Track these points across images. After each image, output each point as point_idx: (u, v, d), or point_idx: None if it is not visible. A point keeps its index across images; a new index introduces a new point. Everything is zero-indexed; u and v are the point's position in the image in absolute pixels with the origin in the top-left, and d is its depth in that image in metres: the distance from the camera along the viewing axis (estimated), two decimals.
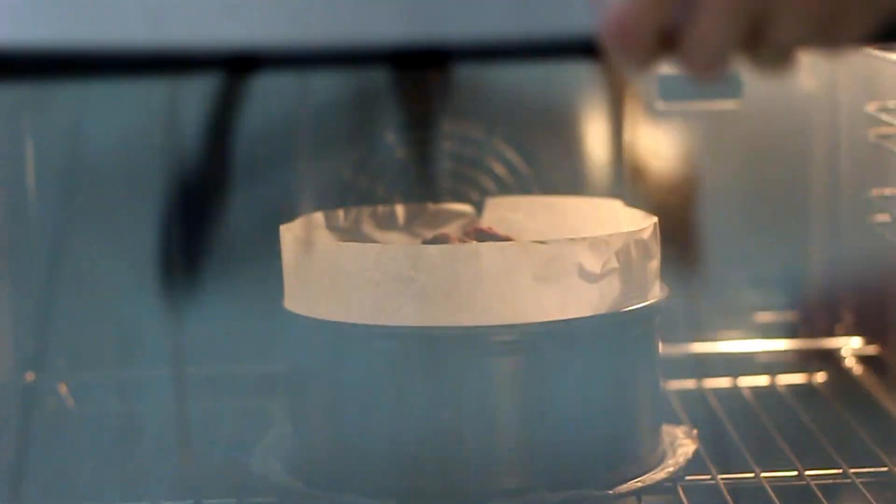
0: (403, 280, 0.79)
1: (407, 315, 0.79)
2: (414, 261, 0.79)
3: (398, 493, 0.81)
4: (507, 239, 0.89)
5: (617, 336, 0.83)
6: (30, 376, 1.11)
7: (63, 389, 1.10)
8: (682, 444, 0.89)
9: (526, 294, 0.79)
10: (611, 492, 0.82)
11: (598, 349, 0.82)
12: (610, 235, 0.82)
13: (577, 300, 0.81)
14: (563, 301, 0.80)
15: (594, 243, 0.81)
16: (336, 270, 0.81)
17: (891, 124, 1.05)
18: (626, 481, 0.83)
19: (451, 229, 0.97)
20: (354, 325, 0.81)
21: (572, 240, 0.80)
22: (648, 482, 0.84)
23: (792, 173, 1.15)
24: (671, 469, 0.86)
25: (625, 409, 0.84)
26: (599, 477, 0.82)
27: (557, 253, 0.80)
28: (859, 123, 1.14)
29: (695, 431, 0.91)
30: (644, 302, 0.84)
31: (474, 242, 0.88)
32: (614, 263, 0.82)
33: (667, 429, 0.91)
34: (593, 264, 0.81)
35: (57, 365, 1.13)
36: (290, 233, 0.87)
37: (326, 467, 0.84)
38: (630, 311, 0.83)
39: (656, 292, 0.86)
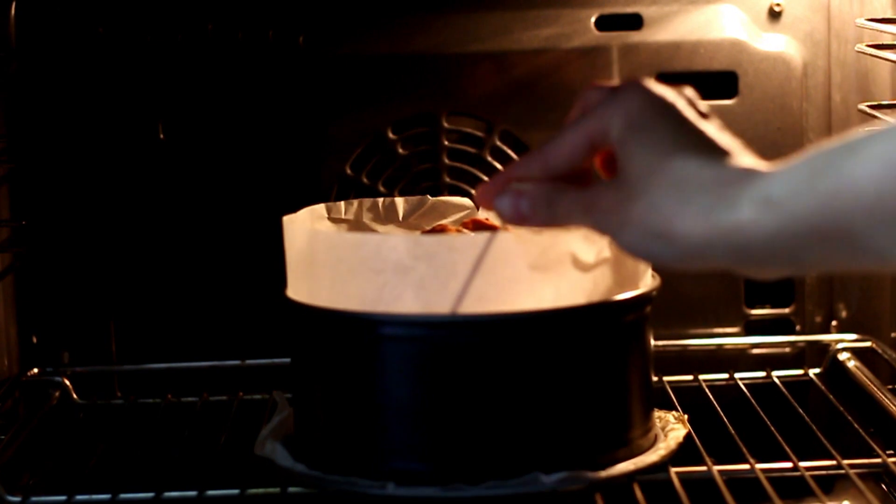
0: (403, 269, 0.80)
1: (406, 303, 0.81)
2: (413, 250, 0.80)
3: (397, 474, 0.82)
4: (505, 230, 0.90)
5: (609, 324, 0.84)
6: (35, 370, 1.12)
7: (67, 383, 1.11)
8: (673, 429, 0.90)
9: (521, 282, 0.80)
10: (603, 473, 0.83)
11: (591, 336, 0.83)
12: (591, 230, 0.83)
13: (571, 289, 0.82)
14: (557, 289, 0.81)
15: (588, 234, 0.81)
16: (337, 259, 0.82)
17: (883, 122, 1.06)
18: (617, 463, 0.84)
19: (450, 222, 0.98)
20: (355, 314, 0.82)
21: (566, 230, 0.81)
22: (640, 465, 0.85)
23: None
24: (663, 453, 0.87)
25: (617, 393, 0.85)
26: (592, 459, 0.83)
27: (552, 243, 0.81)
28: (853, 122, 1.15)
29: (686, 416, 0.93)
30: (636, 291, 0.85)
31: (472, 233, 0.89)
32: (607, 253, 0.83)
33: (658, 413, 0.93)
34: (587, 254, 0.82)
35: (61, 359, 1.15)
36: (292, 223, 0.89)
37: (328, 451, 0.85)
38: (622, 299, 0.84)
39: (648, 282, 0.87)
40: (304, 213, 0.93)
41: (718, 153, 0.69)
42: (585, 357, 0.83)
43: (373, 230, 0.97)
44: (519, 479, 0.81)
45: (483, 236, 0.80)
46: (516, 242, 0.80)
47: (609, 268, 0.83)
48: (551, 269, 0.81)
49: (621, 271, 0.84)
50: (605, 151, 0.73)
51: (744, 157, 0.68)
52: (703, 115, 0.72)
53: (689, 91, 0.73)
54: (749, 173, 0.66)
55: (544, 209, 0.74)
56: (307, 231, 0.87)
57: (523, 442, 0.82)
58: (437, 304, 0.80)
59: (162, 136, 1.14)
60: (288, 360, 1.10)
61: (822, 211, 0.62)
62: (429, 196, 0.99)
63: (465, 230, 0.92)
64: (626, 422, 0.86)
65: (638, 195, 0.69)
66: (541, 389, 0.82)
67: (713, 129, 0.70)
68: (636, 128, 0.70)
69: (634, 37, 1.15)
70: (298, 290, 0.87)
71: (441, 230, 0.93)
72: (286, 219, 0.89)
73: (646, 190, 0.68)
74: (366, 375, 0.83)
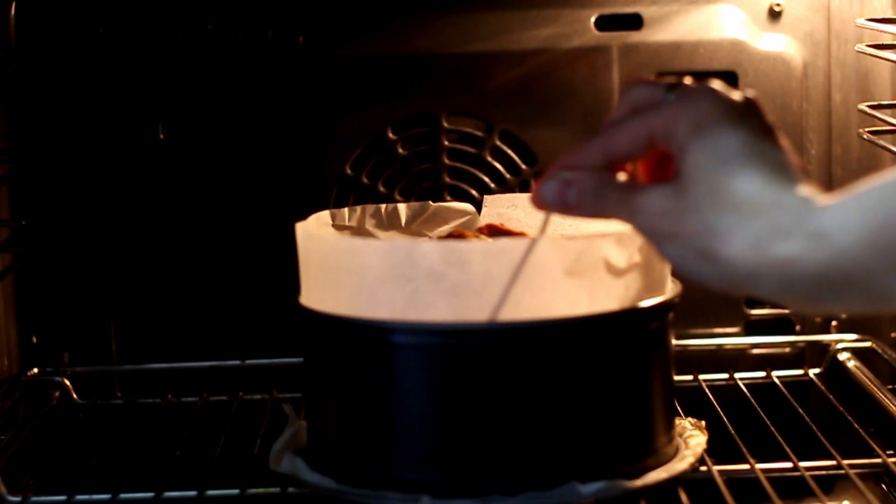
0: (436, 276, 0.78)
1: (439, 311, 0.78)
2: (446, 256, 0.78)
3: (431, 487, 0.80)
4: (521, 235, 0.89)
5: (639, 330, 0.83)
6: (35, 370, 1.12)
7: (67, 383, 1.11)
8: (692, 435, 0.90)
9: (556, 288, 0.79)
10: (639, 482, 0.82)
11: (622, 343, 0.82)
12: (634, 230, 0.82)
13: (606, 294, 0.80)
14: (591, 295, 0.80)
15: (620, 238, 0.80)
16: (364, 267, 0.80)
17: (883, 122, 1.06)
18: (648, 472, 0.83)
19: (455, 227, 0.98)
20: (384, 323, 0.80)
21: (600, 234, 0.80)
22: (673, 472, 0.84)
23: None
24: (692, 460, 0.86)
25: (647, 401, 0.84)
26: (625, 468, 0.82)
27: (586, 247, 0.79)
28: (853, 122, 1.16)
29: (703, 422, 0.92)
30: (662, 296, 0.84)
31: (502, 238, 0.88)
32: (637, 258, 0.82)
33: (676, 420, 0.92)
34: (619, 258, 0.80)
35: (61, 359, 1.15)
36: (309, 230, 0.87)
37: (352, 463, 0.83)
38: (653, 305, 0.83)
39: (670, 286, 0.86)
40: (311, 220, 0.91)
41: (782, 175, 0.66)
42: (618, 365, 0.82)
43: (375, 237, 0.96)
44: (557, 490, 0.80)
45: (518, 241, 0.79)
46: (552, 247, 0.78)
47: (639, 273, 0.82)
48: (586, 274, 0.79)
49: (649, 276, 0.83)
50: (657, 152, 0.70)
51: (802, 186, 0.65)
52: (771, 129, 0.68)
53: (758, 99, 0.69)
54: (805, 204, 0.64)
55: (591, 201, 0.71)
56: (327, 238, 0.84)
57: (560, 452, 0.80)
58: (471, 311, 0.78)
59: (162, 136, 1.14)
60: (287, 360, 1.11)
61: (871, 247, 0.61)
62: (430, 202, 0.99)
63: (482, 236, 0.92)
64: (654, 430, 0.85)
65: (693, 210, 0.66)
66: (578, 398, 0.80)
67: (779, 147, 0.67)
68: (704, 135, 0.67)
69: (634, 37, 1.15)
70: (317, 298, 0.84)
71: (458, 236, 0.92)
72: (300, 226, 0.87)
73: (702, 206, 0.66)
74: (398, 387, 0.81)
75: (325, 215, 0.93)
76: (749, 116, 0.68)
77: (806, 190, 0.65)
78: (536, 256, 0.78)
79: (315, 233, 0.87)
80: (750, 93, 0.69)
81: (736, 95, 0.68)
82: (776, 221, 0.64)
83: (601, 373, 0.81)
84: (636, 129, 0.70)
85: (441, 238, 0.94)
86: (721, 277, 0.66)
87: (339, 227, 0.94)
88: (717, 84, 0.69)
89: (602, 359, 0.81)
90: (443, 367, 0.80)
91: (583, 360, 0.81)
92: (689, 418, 0.93)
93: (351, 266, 0.81)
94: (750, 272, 0.65)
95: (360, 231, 0.96)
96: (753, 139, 0.67)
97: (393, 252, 0.79)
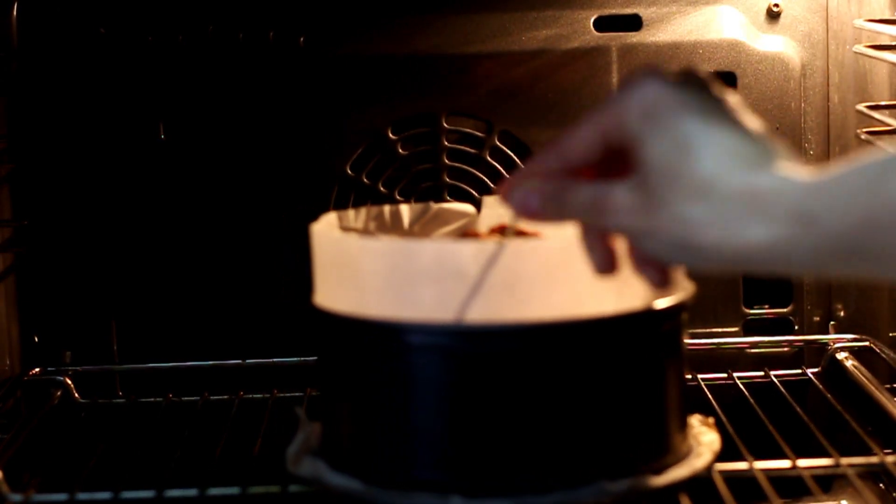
0: (466, 276, 0.77)
1: (468, 311, 0.77)
2: (477, 256, 0.77)
3: (463, 487, 0.79)
4: (535, 235, 0.89)
5: (663, 328, 0.83)
6: (36, 370, 1.12)
7: (69, 382, 1.12)
8: (702, 433, 0.90)
9: (585, 287, 0.78)
10: (663, 480, 0.82)
11: (649, 341, 0.82)
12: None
13: (632, 293, 0.80)
14: (619, 294, 0.79)
15: None
16: (392, 268, 0.79)
17: (881, 122, 1.06)
18: (668, 469, 0.83)
19: (458, 228, 0.97)
20: (415, 324, 0.79)
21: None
22: (694, 469, 0.84)
23: None
24: (709, 457, 0.86)
25: (666, 399, 0.84)
26: (648, 466, 0.82)
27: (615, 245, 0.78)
28: (851, 122, 1.16)
29: (711, 419, 0.92)
30: (679, 294, 0.84)
31: (533, 238, 0.88)
32: None
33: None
34: None
35: (63, 358, 1.15)
36: (325, 233, 0.86)
37: (386, 465, 0.82)
38: (677, 303, 0.83)
39: (685, 284, 0.86)
40: (321, 222, 0.90)
41: (749, 153, 0.63)
42: (646, 361, 0.82)
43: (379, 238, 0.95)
44: (586, 489, 0.79)
45: (549, 241, 0.78)
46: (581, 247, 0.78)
47: None
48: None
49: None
50: (611, 154, 0.68)
51: (778, 161, 0.63)
52: (722, 100, 0.66)
53: (702, 71, 0.67)
54: (784, 183, 0.62)
55: (553, 205, 0.70)
56: (347, 240, 0.84)
57: (589, 451, 0.80)
58: (502, 311, 0.78)
59: (163, 136, 1.15)
60: (288, 359, 1.11)
61: (860, 229, 0.59)
62: (432, 203, 0.99)
63: (497, 236, 0.91)
64: (672, 427, 0.85)
65: (660, 203, 0.64)
66: (607, 396, 0.80)
67: (736, 118, 0.65)
68: (655, 121, 0.65)
69: (633, 38, 1.15)
70: (337, 299, 0.83)
71: (473, 236, 0.92)
72: (315, 227, 0.87)
73: (668, 198, 0.64)
74: (428, 388, 0.80)
75: (331, 217, 0.93)
76: (697, 94, 0.65)
77: (782, 167, 0.63)
78: (566, 255, 0.77)
79: (335, 234, 0.86)
80: (695, 68, 0.67)
81: (686, 74, 0.66)
82: (754, 204, 0.62)
83: (628, 370, 0.81)
84: (588, 130, 0.69)
85: (456, 238, 0.94)
86: (706, 265, 0.65)
87: (345, 228, 0.94)
88: (665, 69, 0.67)
89: (630, 356, 0.81)
90: (472, 367, 0.79)
91: (612, 358, 0.80)
92: (697, 415, 0.93)
93: (376, 267, 0.80)
94: (735, 258, 0.63)
95: (364, 232, 0.96)
96: (707, 116, 0.64)
97: (421, 253, 0.79)
